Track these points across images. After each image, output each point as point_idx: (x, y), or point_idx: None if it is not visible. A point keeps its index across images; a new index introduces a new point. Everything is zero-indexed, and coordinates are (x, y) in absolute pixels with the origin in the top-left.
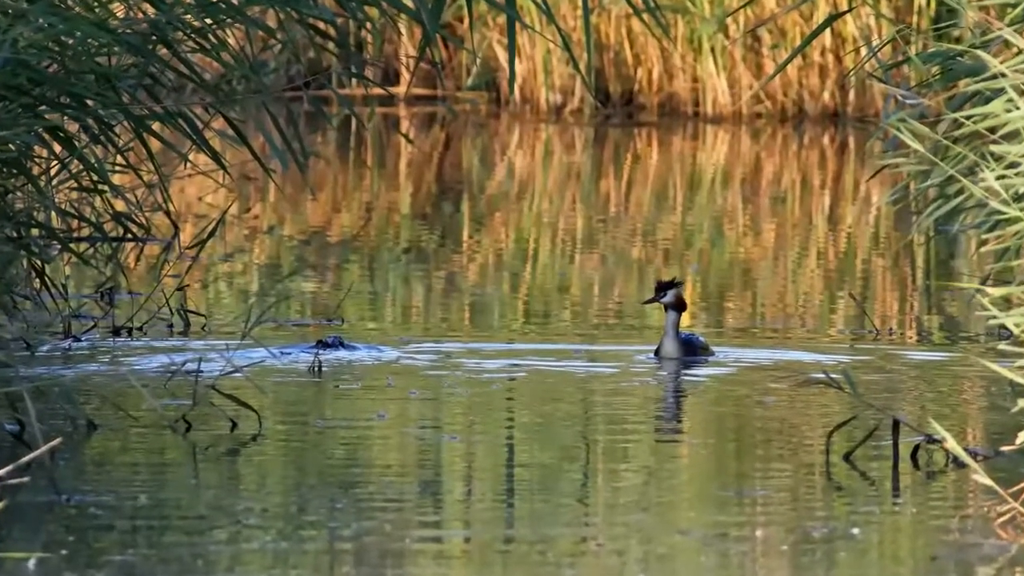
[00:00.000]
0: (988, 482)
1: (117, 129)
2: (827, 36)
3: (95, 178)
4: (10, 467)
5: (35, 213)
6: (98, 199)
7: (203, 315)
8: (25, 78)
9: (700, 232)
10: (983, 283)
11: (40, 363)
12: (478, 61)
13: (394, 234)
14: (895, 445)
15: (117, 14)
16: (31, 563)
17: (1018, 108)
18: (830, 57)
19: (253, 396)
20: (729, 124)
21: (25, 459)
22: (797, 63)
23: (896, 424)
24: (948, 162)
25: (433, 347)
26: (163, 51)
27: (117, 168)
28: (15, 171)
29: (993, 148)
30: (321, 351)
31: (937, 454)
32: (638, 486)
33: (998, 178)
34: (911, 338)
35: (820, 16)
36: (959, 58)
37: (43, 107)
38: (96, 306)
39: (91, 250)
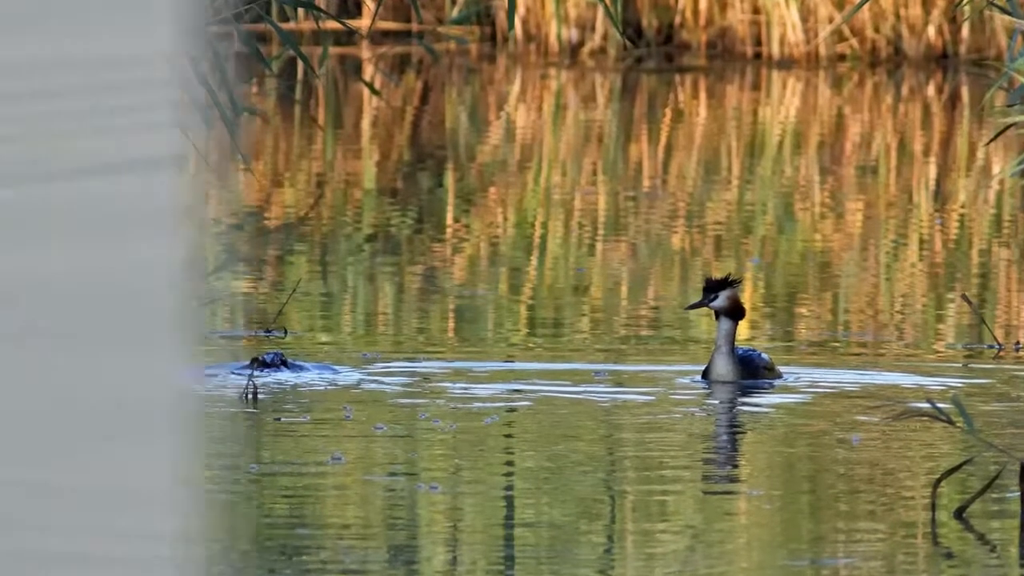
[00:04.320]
0: None
1: None
2: None
3: None
4: None
5: None
6: None
7: None
8: None
9: (763, 214)
10: None
11: None
12: None
13: (354, 216)
14: None
15: None
16: None
17: None
18: None
19: None
20: (802, 69)
21: None
22: None
23: None
24: None
25: (406, 367)
26: None
27: None
28: None
29: None
30: (257, 372)
31: None
32: (680, 552)
33: None
34: None
35: None
36: None
37: None
38: None
39: None
